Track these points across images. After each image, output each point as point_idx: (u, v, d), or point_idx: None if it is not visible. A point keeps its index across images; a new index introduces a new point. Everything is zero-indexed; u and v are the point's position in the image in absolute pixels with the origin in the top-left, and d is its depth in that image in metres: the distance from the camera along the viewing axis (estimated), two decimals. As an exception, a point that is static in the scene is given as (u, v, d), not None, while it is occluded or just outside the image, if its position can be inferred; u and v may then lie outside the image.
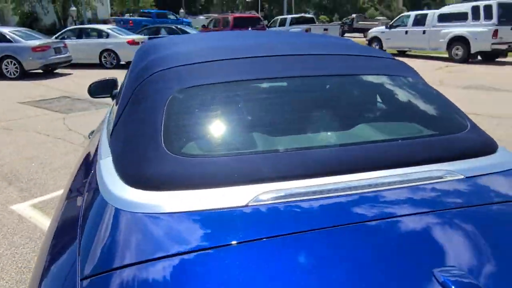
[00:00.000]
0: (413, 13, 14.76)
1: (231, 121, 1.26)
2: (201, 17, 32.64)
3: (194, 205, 0.92)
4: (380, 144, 1.13)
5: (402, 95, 1.40)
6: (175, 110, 1.18)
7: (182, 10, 28.14)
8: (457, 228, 0.87)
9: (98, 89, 2.75)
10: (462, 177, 1.05)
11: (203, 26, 18.59)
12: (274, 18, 20.01)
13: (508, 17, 12.42)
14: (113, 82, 2.78)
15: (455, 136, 1.19)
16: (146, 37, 13.66)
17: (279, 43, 1.63)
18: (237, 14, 17.90)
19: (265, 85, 1.37)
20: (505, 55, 12.70)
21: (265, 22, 18.77)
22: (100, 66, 12.47)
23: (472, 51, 12.48)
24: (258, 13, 25.95)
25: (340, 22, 30.97)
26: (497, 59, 12.86)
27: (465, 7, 13.09)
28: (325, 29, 17.56)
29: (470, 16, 12.66)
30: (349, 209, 0.93)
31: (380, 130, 1.26)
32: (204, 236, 0.85)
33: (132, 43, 12.31)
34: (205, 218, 0.89)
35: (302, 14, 20.93)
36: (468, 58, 12.62)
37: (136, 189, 0.98)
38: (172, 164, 1.01)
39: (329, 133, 1.24)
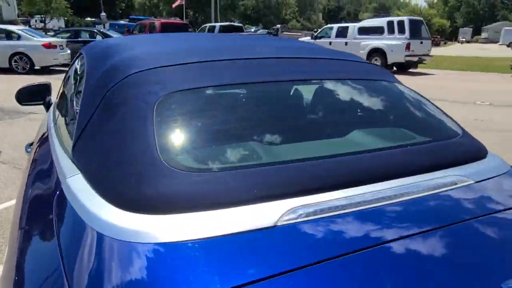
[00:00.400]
0: (335, 26, 15.62)
1: (232, 129, 1.11)
2: (122, 22, 31.09)
3: (213, 229, 0.76)
4: (386, 152, 1.07)
5: (390, 100, 1.38)
6: (167, 117, 1.00)
7: (103, 14, 26.51)
8: (497, 234, 0.84)
9: (28, 96, 2.38)
10: (473, 182, 1.03)
11: (127, 30, 17.74)
12: (202, 26, 19.80)
13: (417, 32, 13.74)
14: (46, 88, 2.43)
15: (451, 141, 1.19)
16: (65, 40, 12.61)
17: (256, 46, 1.52)
18: (164, 20, 17.37)
19: (256, 88, 1.24)
20: (416, 67, 14.00)
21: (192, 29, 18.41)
22: (10, 71, 11.20)
23: (389, 62, 13.56)
24: (183, 19, 25.37)
25: (266, 31, 31.78)
26: (409, 70, 14.10)
27: (381, 22, 14.21)
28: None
29: (386, 30, 13.76)
30: (390, 221, 0.84)
31: (376, 136, 1.21)
32: (233, 267, 0.70)
33: (49, 46, 11.28)
34: (229, 243, 0.74)
35: (231, 23, 21.04)
36: (386, 68, 13.68)
37: (134, 212, 0.79)
38: (178, 181, 0.84)
39: (329, 141, 1.16)
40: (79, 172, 1.01)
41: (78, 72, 1.73)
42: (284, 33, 32.89)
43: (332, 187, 0.89)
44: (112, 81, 1.14)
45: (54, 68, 12.15)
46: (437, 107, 1.38)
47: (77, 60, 2.23)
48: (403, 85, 1.47)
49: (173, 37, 1.78)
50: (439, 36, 45.37)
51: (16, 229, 1.03)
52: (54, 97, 2.46)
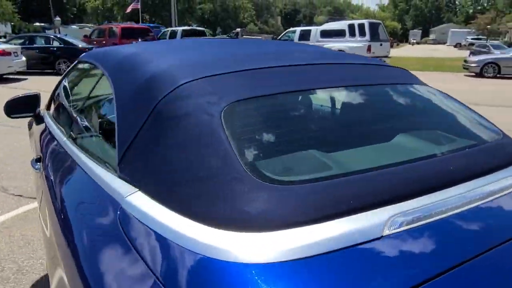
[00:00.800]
0: (298, 29, 15.90)
1: (300, 137, 1.07)
2: (74, 26, 29.67)
3: (321, 244, 0.72)
4: (449, 156, 1.07)
5: (427, 103, 1.39)
6: (236, 128, 0.95)
7: (57, 19, 25.18)
8: None
9: (18, 108, 2.21)
10: None
11: (85, 36, 17.03)
12: (164, 30, 19.42)
13: (377, 34, 14.26)
14: (36, 99, 2.27)
15: (497, 142, 1.20)
16: (19, 47, 11.91)
17: (288, 51, 1.49)
18: (125, 25, 16.84)
19: (309, 95, 1.22)
20: (377, 68, 14.51)
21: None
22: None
23: (351, 64, 13.96)
24: (138, 24, 24.63)
25: (226, 35, 31.74)
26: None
27: (342, 25, 14.63)
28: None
29: (347, 33, 14.17)
30: (489, 222, 0.85)
31: (426, 141, 1.20)
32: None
33: (3, 53, 10.62)
34: (340, 258, 0.71)
35: (193, 27, 20.81)
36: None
37: (228, 230, 0.75)
38: (271, 194, 0.80)
39: (385, 146, 1.15)
40: (137, 189, 0.95)
41: (91, 83, 1.62)
42: (244, 37, 33.04)
43: (417, 194, 0.88)
44: (160, 92, 1.07)
45: (8, 76, 11.45)
46: (470, 108, 1.41)
47: (78, 70, 2.10)
48: (431, 87, 1.49)
49: (196, 43, 1.70)
50: (392, 38, 47.41)
51: (70, 262, 0.94)
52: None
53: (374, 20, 14.96)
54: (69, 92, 2.01)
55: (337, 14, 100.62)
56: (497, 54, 15.56)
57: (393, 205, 0.84)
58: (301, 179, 0.87)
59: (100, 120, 1.51)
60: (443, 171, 0.98)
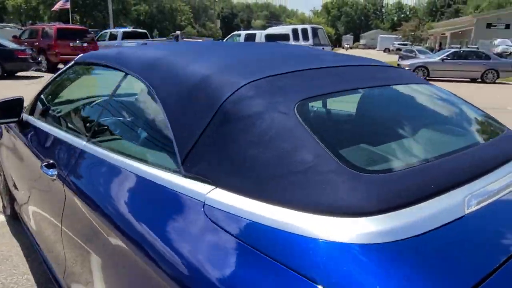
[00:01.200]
0: (243, 33, 16.09)
1: (373, 131, 1.15)
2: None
3: (417, 226, 0.80)
4: (482, 145, 1.21)
5: (442, 101, 1.53)
6: (312, 124, 1.01)
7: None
8: None
9: (2, 112, 2.05)
10: None
11: (14, 36, 15.69)
12: (103, 32, 18.50)
13: (319, 39, 14.89)
14: (20, 103, 2.12)
15: (507, 135, 1.37)
16: None
17: (315, 55, 1.55)
18: (61, 25, 15.72)
19: (359, 94, 1.29)
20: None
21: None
22: None
23: (296, 67, 14.43)
24: (68, 24, 23.07)
25: (165, 38, 31.02)
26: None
27: (287, 29, 15.09)
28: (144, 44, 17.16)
29: (291, 37, 14.63)
30: None
31: (456, 134, 1.33)
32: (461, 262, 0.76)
33: None
34: (435, 237, 0.80)
35: (134, 29, 20.09)
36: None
37: (342, 217, 0.80)
38: (370, 184, 0.86)
39: (430, 138, 1.26)
40: (214, 186, 0.97)
41: (109, 84, 1.57)
42: (185, 39, 32.61)
43: (478, 175, 1.00)
44: (221, 93, 1.09)
45: None
46: (475, 106, 1.58)
47: (80, 72, 2.00)
48: (439, 87, 1.66)
49: (214, 46, 1.71)
50: (327, 43, 49.52)
51: (165, 267, 0.92)
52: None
53: (316, 25, 15.63)
54: (76, 95, 1.90)
55: (274, 18, 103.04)
56: (424, 58, 17.01)
57: (463, 187, 0.95)
58: (386, 168, 0.95)
59: (131, 120, 1.47)
60: (490, 156, 1.12)
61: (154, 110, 1.29)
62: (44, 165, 1.57)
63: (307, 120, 1.02)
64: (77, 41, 14.56)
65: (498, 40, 30.60)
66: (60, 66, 15.13)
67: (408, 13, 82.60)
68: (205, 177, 1.01)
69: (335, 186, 0.86)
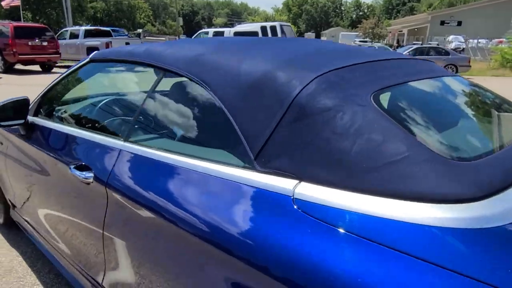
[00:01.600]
0: (211, 30, 15.96)
1: (444, 122, 1.18)
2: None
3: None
4: None
5: (476, 91, 1.59)
6: (394, 114, 1.03)
7: None
8: None
9: (6, 114, 1.92)
10: None
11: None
12: (62, 30, 17.64)
13: (285, 36, 15.02)
14: (25, 103, 1.99)
15: None
16: None
17: (351, 48, 1.55)
18: (19, 23, 14.81)
19: (413, 86, 1.31)
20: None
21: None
22: None
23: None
24: (20, 22, 21.72)
25: (126, 35, 30.14)
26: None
27: (255, 27, 15.10)
28: (127, 43, 16.69)
29: (260, 34, 14.66)
30: None
31: (498, 123, 1.39)
32: None
33: None
34: None
35: (97, 27, 19.29)
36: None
37: (446, 204, 0.82)
38: (465, 171, 0.90)
39: (496, 125, 1.31)
40: (298, 180, 0.96)
41: (143, 82, 1.51)
42: (147, 37, 31.80)
43: None
44: (292, 87, 1.08)
45: None
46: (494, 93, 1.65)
47: (107, 69, 1.90)
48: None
49: (247, 42, 1.66)
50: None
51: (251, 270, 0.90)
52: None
53: (284, 23, 15.74)
54: (102, 93, 1.80)
55: (235, 16, 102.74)
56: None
57: None
58: (473, 156, 0.98)
59: (180, 118, 1.42)
60: None
61: (209, 107, 1.25)
62: (74, 167, 1.49)
63: (386, 111, 1.03)
64: (36, 40, 13.85)
65: (452, 36, 32.21)
66: (17, 66, 14.30)
67: (366, 10, 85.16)
68: (286, 171, 0.99)
69: (437, 175, 0.87)
